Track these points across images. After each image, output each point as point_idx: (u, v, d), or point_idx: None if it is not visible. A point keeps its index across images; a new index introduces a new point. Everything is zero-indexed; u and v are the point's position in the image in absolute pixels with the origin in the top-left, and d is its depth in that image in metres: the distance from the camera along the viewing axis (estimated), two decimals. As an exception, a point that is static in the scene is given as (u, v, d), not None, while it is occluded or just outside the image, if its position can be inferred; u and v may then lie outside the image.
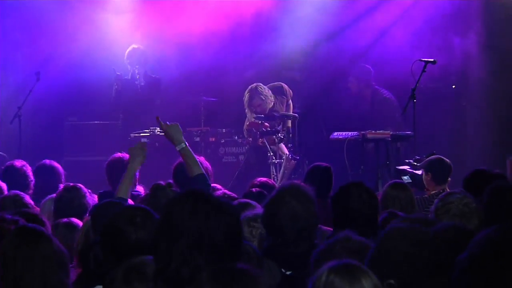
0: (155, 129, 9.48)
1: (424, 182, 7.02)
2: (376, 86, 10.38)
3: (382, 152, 9.43)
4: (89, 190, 5.65)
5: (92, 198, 5.64)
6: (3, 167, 6.76)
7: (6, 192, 6.05)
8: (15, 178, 6.50)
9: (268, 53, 10.61)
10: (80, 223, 4.79)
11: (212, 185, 5.53)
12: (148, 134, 9.50)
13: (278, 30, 10.58)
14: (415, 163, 8.00)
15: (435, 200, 4.57)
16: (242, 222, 3.73)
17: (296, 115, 9.85)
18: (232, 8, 10.45)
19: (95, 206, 4.39)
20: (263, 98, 9.62)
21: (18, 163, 6.68)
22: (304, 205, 3.99)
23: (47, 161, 6.78)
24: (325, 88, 10.68)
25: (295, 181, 4.25)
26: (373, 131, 9.39)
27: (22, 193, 5.67)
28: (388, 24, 10.35)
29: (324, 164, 6.69)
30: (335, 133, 9.72)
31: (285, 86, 9.96)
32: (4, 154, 9.41)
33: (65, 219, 4.89)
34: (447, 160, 7.11)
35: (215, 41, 10.48)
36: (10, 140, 9.51)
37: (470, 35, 10.24)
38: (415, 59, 8.92)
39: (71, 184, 5.63)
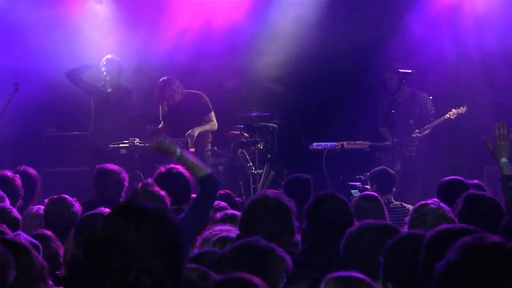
0: (134, 139, 9.48)
1: None
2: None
3: (361, 162, 9.44)
4: (75, 199, 5.66)
5: (79, 208, 5.65)
6: None
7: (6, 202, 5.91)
8: (6, 188, 6.33)
9: (248, 64, 10.67)
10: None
11: (217, 202, 5.49)
12: (128, 145, 9.47)
13: (257, 43, 10.68)
14: (365, 179, 8.24)
15: (410, 211, 4.64)
16: (215, 243, 4.01)
17: (276, 125, 9.86)
18: (209, 18, 10.51)
19: (79, 218, 4.42)
20: (175, 89, 9.58)
21: (10, 173, 6.55)
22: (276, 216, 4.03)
23: (22, 168, 6.74)
24: (306, 98, 10.74)
25: (269, 192, 4.29)
26: (352, 142, 9.45)
27: (9, 206, 5.59)
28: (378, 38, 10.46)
29: (304, 175, 6.78)
30: (314, 144, 9.75)
31: (205, 97, 9.76)
32: None
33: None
34: (391, 170, 7.38)
35: (193, 50, 10.51)
36: None
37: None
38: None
39: (56, 196, 5.63)
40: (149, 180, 5.01)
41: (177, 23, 10.47)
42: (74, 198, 5.66)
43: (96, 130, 9.63)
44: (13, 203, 6.18)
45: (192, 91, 9.80)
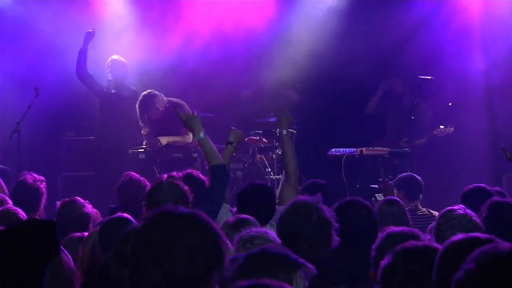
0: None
1: None
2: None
3: (380, 168, 9.48)
4: (87, 201, 5.68)
5: (92, 210, 5.69)
6: (15, 183, 6.60)
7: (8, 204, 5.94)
8: (24, 194, 6.35)
9: (266, 69, 10.65)
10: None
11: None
12: (147, 150, 9.47)
13: (274, 49, 10.65)
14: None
15: (436, 216, 4.65)
16: (237, 244, 3.93)
17: (294, 131, 9.69)
18: (228, 25, 10.49)
19: (102, 223, 4.41)
20: (157, 106, 9.28)
21: (30, 178, 6.50)
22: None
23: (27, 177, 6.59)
24: (325, 103, 10.74)
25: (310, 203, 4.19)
26: (371, 148, 9.44)
27: (15, 208, 5.58)
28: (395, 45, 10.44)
29: (321, 181, 6.78)
30: (333, 149, 9.72)
31: (185, 107, 9.29)
32: (7, 168, 9.33)
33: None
34: (418, 177, 7.34)
35: (212, 57, 10.51)
36: (9, 155, 9.47)
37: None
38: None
39: (67, 199, 5.68)
40: (175, 173, 5.08)
41: (193, 28, 10.48)
42: (86, 201, 5.69)
43: (101, 132, 9.55)
44: (34, 207, 6.23)
45: (174, 99, 9.54)
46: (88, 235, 4.45)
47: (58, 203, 5.67)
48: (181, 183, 4.81)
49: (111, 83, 9.64)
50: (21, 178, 6.53)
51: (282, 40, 10.69)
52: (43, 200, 6.49)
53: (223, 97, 10.58)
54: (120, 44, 10.20)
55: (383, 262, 2.89)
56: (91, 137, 9.88)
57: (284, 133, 5.84)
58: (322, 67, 10.51)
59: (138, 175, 6.51)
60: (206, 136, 4.99)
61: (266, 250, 2.96)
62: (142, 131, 9.46)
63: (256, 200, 5.31)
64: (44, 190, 6.45)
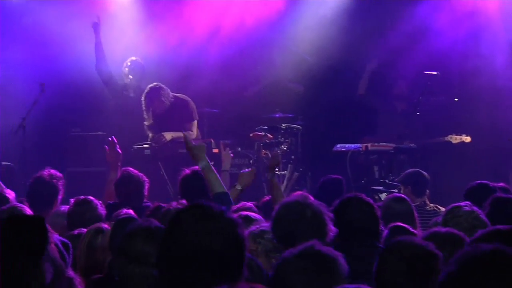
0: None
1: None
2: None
3: (385, 164, 9.48)
4: (100, 202, 5.66)
5: (104, 210, 5.66)
6: (31, 179, 6.53)
7: (12, 203, 5.75)
8: (40, 190, 6.29)
9: (272, 65, 10.68)
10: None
11: (244, 203, 5.63)
12: (152, 146, 9.49)
13: (281, 45, 10.66)
14: (391, 183, 8.25)
15: (442, 213, 4.68)
16: (247, 238, 3.90)
17: (300, 126, 9.88)
18: (236, 19, 10.48)
19: (115, 223, 4.43)
20: (163, 99, 9.26)
21: (47, 174, 6.42)
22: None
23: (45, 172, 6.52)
24: (330, 99, 10.73)
25: (300, 198, 4.23)
26: (376, 143, 9.45)
27: (21, 204, 5.49)
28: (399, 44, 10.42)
29: (336, 176, 6.82)
30: (338, 145, 9.74)
31: (191, 104, 9.48)
32: (11, 164, 9.41)
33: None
34: (424, 172, 7.33)
35: (218, 52, 10.51)
36: (14, 150, 9.45)
37: None
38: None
39: (82, 197, 5.62)
40: (184, 201, 5.21)
41: (198, 23, 10.48)
42: (100, 201, 5.66)
43: (116, 131, 9.42)
44: (49, 203, 6.19)
45: (180, 96, 9.54)
46: (84, 234, 4.45)
47: (72, 200, 5.63)
48: None
49: (131, 86, 9.69)
50: (38, 174, 6.48)
51: (289, 36, 10.69)
52: (59, 197, 6.43)
53: (228, 92, 10.59)
54: (125, 38, 10.22)
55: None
56: (97, 133, 9.89)
57: (273, 177, 5.67)
58: (329, 63, 10.52)
59: (136, 171, 6.47)
60: (210, 164, 4.95)
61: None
62: (145, 122, 9.46)
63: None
64: (60, 186, 6.40)
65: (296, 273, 3.07)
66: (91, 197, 5.63)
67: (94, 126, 10.11)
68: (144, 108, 9.35)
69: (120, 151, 6.95)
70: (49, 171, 6.48)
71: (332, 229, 4.02)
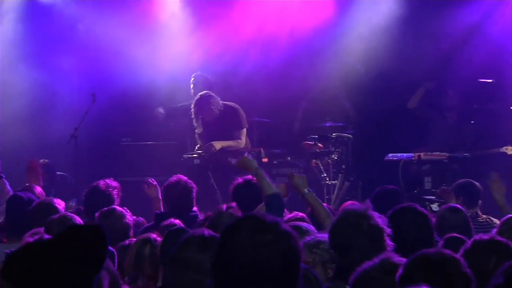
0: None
1: None
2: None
3: (438, 174, 9.32)
4: (125, 208, 5.61)
5: (131, 218, 5.62)
6: (87, 189, 6.58)
7: (61, 212, 5.86)
8: (96, 200, 6.28)
9: (322, 74, 10.64)
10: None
11: (296, 213, 5.61)
12: (201, 155, 9.53)
13: (330, 54, 10.60)
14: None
15: (497, 224, 4.66)
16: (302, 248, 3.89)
17: (350, 136, 9.79)
18: (284, 30, 10.48)
19: (167, 233, 4.42)
20: (213, 108, 9.30)
21: (103, 184, 6.46)
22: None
23: (101, 183, 6.54)
24: (381, 108, 10.64)
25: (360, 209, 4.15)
26: (429, 153, 9.32)
27: (71, 214, 5.56)
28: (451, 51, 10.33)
29: (392, 186, 6.74)
30: (390, 154, 9.65)
31: (240, 112, 9.49)
32: (65, 174, 9.51)
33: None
34: (477, 183, 7.20)
35: (268, 62, 10.53)
36: (66, 161, 9.56)
37: None
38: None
39: (106, 208, 5.61)
40: (233, 204, 5.38)
41: (249, 33, 10.48)
42: (124, 208, 5.63)
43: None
44: (105, 206, 6.08)
45: (229, 103, 9.56)
46: (132, 244, 4.50)
47: (97, 214, 5.59)
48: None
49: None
50: (94, 184, 6.52)
51: (338, 45, 10.64)
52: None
53: (278, 101, 10.57)
54: (176, 47, 10.29)
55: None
56: (147, 143, 9.98)
57: (306, 192, 5.52)
58: (379, 71, 10.44)
59: (185, 177, 6.50)
60: (261, 169, 5.18)
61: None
62: (196, 130, 9.51)
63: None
64: (115, 196, 6.42)
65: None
66: (115, 206, 5.64)
67: (144, 136, 10.21)
68: (193, 116, 9.42)
69: (156, 184, 7.18)
70: (104, 181, 6.52)
71: (389, 244, 3.96)
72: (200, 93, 9.41)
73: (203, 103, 9.30)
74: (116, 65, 10.15)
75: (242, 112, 9.53)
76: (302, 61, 10.65)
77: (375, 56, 10.32)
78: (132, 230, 5.48)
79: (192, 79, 9.94)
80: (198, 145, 9.67)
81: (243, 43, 10.45)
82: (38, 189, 7.01)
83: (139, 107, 10.31)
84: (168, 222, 5.19)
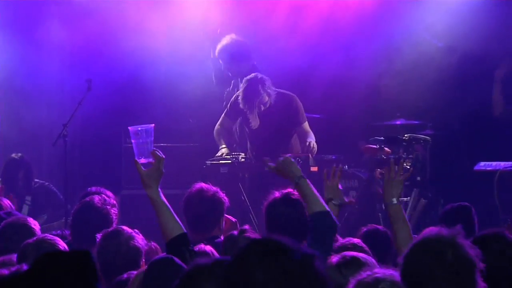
0: (239, 154, 9.00)
1: None
2: None
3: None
4: (136, 230, 5.32)
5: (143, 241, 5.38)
6: (77, 205, 6.30)
7: (38, 234, 5.67)
8: (90, 219, 6.04)
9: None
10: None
11: (349, 239, 5.45)
12: (230, 162, 8.91)
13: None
14: None
15: None
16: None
17: (428, 138, 9.15)
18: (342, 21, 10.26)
19: (149, 264, 4.37)
20: (269, 91, 8.89)
21: (99, 200, 6.18)
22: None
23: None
24: (471, 102, 10.14)
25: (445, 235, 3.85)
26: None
27: (52, 236, 5.35)
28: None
29: (465, 204, 6.62)
30: (482, 163, 9.24)
31: (299, 102, 9.13)
32: (46, 183, 9.22)
33: None
34: None
35: (326, 47, 10.33)
36: (53, 166, 9.42)
37: None
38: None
39: (109, 229, 5.38)
40: (247, 226, 5.30)
41: (306, 25, 10.41)
42: (135, 230, 5.30)
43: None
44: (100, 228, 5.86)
45: (283, 91, 9.09)
46: (133, 278, 4.46)
47: (99, 235, 5.34)
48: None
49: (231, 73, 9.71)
50: (87, 199, 6.22)
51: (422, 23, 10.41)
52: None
53: (332, 94, 10.26)
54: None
55: None
56: (160, 144, 9.08)
57: (394, 202, 5.32)
58: (465, 63, 10.17)
59: (210, 186, 6.25)
60: (304, 178, 4.94)
61: None
62: (252, 125, 9.09)
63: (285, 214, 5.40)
64: (114, 216, 6.18)
65: None
66: (123, 227, 5.34)
67: (155, 135, 9.62)
68: (245, 107, 8.95)
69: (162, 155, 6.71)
70: (100, 195, 6.29)
71: (481, 285, 3.76)
72: (246, 78, 9.02)
73: (257, 88, 8.90)
74: (117, 45, 9.72)
75: (299, 101, 9.19)
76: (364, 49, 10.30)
77: (464, 37, 10.01)
78: (143, 257, 5.25)
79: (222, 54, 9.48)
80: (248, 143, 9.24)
81: (298, 37, 10.33)
82: (6, 201, 6.89)
83: (147, 97, 9.96)
84: (197, 248, 5.00)
